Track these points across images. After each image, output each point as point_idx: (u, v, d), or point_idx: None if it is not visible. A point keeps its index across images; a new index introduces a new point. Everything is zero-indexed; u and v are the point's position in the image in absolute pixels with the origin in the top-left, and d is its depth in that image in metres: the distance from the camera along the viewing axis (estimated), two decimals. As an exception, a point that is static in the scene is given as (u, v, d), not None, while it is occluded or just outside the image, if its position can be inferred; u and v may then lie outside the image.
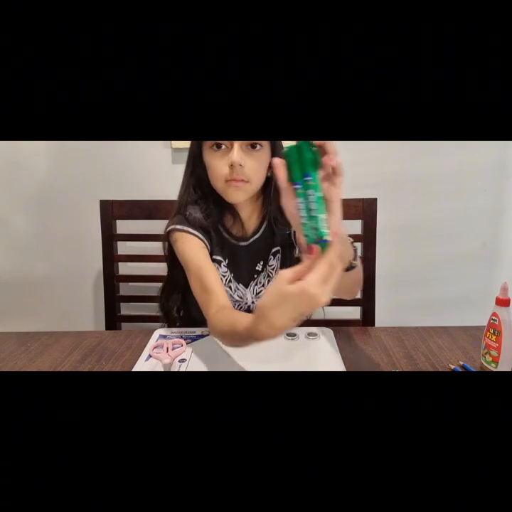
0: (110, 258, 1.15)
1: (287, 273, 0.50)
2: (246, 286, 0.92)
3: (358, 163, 1.31)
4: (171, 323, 0.96)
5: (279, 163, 0.51)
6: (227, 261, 0.90)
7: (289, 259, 0.95)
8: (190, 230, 0.85)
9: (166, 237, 0.89)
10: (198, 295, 0.79)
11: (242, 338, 0.62)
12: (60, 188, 1.39)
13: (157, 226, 0.98)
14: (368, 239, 1.12)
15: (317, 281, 0.47)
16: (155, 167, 1.36)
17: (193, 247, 0.84)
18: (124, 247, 1.20)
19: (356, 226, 1.14)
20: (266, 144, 0.82)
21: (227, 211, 0.88)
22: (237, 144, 0.78)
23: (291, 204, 0.53)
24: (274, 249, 0.93)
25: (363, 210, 1.12)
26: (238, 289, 0.92)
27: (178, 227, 0.85)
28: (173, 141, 1.31)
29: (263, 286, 0.93)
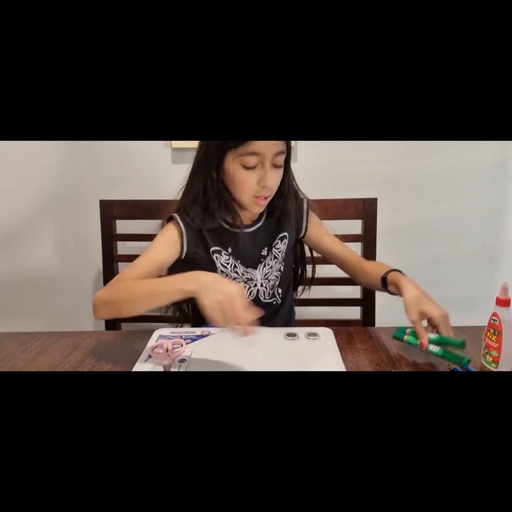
0: (110, 258, 1.15)
1: None
2: (255, 268, 0.96)
3: (358, 163, 1.31)
4: (184, 320, 1.04)
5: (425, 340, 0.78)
6: (229, 249, 0.94)
7: (297, 250, 1.03)
8: (181, 224, 0.90)
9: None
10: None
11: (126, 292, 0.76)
12: (60, 188, 1.39)
13: (157, 226, 0.98)
14: (367, 239, 1.12)
15: None
16: (155, 167, 1.36)
17: (166, 237, 0.90)
18: (124, 247, 1.20)
19: (356, 226, 1.14)
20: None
21: (229, 210, 0.92)
22: (269, 167, 0.84)
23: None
24: (281, 235, 0.98)
25: (363, 210, 1.12)
26: (247, 272, 0.95)
27: (176, 216, 0.91)
28: (173, 141, 1.31)
29: (271, 267, 0.97)
